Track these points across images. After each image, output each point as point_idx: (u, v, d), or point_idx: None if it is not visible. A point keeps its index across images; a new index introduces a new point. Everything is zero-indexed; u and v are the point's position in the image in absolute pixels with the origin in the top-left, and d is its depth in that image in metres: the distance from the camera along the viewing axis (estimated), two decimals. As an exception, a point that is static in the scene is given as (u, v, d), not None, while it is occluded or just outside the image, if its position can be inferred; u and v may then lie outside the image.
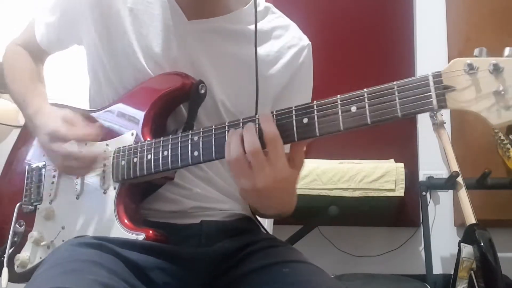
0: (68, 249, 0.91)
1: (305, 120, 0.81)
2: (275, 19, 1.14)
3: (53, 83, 1.35)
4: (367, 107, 0.76)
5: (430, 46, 2.82)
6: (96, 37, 1.08)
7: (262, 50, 1.09)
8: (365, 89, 0.77)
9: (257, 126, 0.84)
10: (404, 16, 2.87)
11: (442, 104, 0.71)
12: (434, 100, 0.71)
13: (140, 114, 1.02)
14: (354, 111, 0.77)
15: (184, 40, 1.05)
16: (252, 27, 1.06)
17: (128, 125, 1.04)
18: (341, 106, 0.79)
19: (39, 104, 1.08)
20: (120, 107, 1.06)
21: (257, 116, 0.86)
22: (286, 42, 1.12)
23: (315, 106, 0.81)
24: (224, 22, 1.07)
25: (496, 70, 0.68)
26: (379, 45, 2.85)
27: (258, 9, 1.11)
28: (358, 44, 2.85)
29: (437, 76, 0.72)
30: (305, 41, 1.15)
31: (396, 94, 0.74)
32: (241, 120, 0.87)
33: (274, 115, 0.84)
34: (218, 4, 1.07)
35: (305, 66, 1.14)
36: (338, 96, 0.79)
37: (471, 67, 0.70)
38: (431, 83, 0.71)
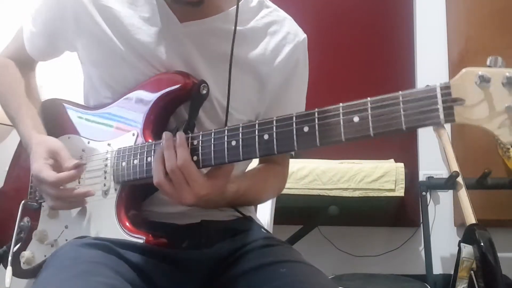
0: (72, 250, 0.91)
1: (306, 129, 0.79)
2: (269, 13, 1.11)
3: (49, 78, 1.35)
4: (370, 118, 0.73)
5: (430, 46, 2.82)
6: (83, 45, 1.08)
7: (257, 48, 1.08)
8: (368, 98, 0.74)
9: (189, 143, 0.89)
10: (404, 16, 2.86)
11: (449, 118, 0.67)
12: (441, 114, 0.67)
13: (141, 114, 1.01)
14: (356, 121, 0.74)
15: (178, 43, 1.03)
16: (246, 25, 1.06)
17: (129, 125, 1.03)
18: (343, 116, 0.75)
19: (28, 135, 1.08)
20: (121, 106, 1.05)
21: (256, 121, 0.85)
22: (281, 38, 1.10)
23: (316, 114, 0.78)
24: (218, 22, 1.05)
25: (510, 83, 0.64)
26: (379, 44, 2.84)
27: (251, 4, 1.09)
28: (358, 43, 2.84)
29: (446, 87, 0.67)
30: (300, 36, 1.12)
31: (401, 105, 0.70)
32: (240, 125, 0.86)
33: (274, 122, 0.82)
34: (211, 5, 1.04)
35: (301, 62, 1.13)
36: (340, 104, 0.76)
37: (482, 78, 0.65)
38: (439, 95, 0.67)
